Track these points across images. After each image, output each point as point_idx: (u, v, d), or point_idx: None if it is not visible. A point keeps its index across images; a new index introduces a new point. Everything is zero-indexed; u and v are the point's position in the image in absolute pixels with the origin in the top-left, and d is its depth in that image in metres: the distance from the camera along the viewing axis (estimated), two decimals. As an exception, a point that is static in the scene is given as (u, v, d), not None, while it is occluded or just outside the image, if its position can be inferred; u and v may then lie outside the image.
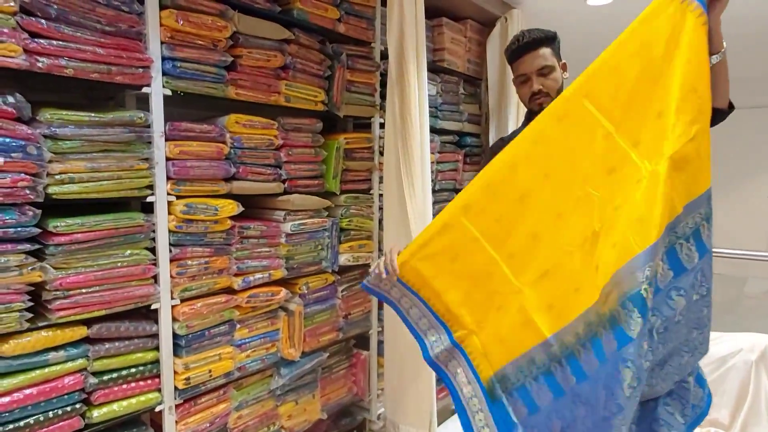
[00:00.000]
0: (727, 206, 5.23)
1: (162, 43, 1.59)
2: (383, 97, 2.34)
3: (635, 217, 1.21)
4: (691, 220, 1.24)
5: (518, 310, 1.40)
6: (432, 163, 2.62)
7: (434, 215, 2.47)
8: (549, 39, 1.69)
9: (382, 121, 2.39)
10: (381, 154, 2.37)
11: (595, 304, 1.25)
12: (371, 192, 2.39)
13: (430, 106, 2.44)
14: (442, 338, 1.55)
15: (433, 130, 2.66)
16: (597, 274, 1.26)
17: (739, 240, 5.23)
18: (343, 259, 2.23)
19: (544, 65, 1.66)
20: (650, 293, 1.15)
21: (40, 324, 1.41)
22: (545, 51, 1.67)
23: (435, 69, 2.77)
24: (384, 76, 2.32)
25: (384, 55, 2.36)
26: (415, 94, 2.23)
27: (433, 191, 2.35)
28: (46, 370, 1.43)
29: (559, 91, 1.69)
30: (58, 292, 1.42)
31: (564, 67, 1.74)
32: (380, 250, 2.42)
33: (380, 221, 2.38)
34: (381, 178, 2.35)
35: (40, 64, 1.34)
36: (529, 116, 1.77)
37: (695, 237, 1.26)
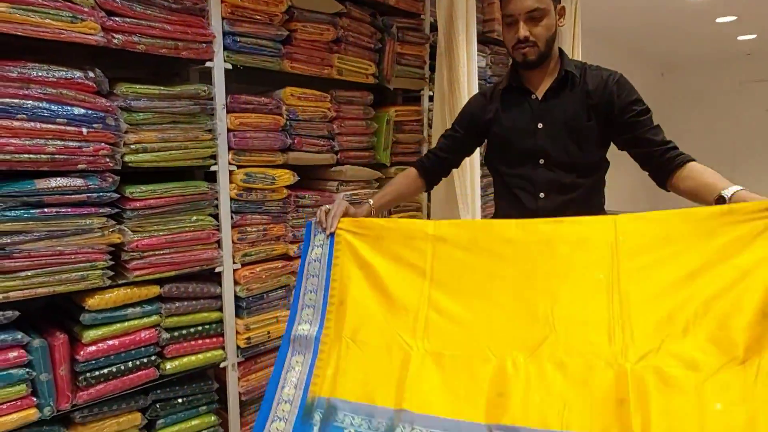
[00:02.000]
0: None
1: (223, 18, 1.67)
2: (432, 69, 2.36)
3: None
4: None
5: (398, 364, 1.28)
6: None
7: (482, 188, 2.49)
8: None
9: (431, 94, 2.40)
10: (430, 126, 2.40)
11: None
12: (420, 164, 2.42)
13: (479, 78, 2.42)
14: (312, 327, 1.41)
15: (483, 103, 2.64)
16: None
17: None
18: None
19: (535, 7, 1.36)
20: None
21: (120, 282, 1.55)
22: None
23: (485, 41, 2.74)
24: (433, 48, 2.33)
25: (434, 27, 2.37)
26: (464, 66, 2.23)
27: (481, 164, 2.36)
28: (126, 324, 1.57)
29: (551, 43, 1.42)
30: (134, 253, 1.55)
31: (562, 13, 1.46)
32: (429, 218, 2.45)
33: (429, 194, 2.42)
34: (430, 151, 2.37)
35: (115, 41, 1.45)
36: (513, 68, 1.52)
37: None
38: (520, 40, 1.40)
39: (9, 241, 1.33)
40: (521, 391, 1.19)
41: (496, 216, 1.67)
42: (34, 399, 1.41)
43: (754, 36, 4.62)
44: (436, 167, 1.67)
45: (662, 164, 1.41)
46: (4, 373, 1.34)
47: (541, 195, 1.51)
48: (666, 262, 1.20)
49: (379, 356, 1.32)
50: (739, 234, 1.15)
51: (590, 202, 1.53)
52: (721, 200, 1.24)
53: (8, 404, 1.36)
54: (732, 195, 1.22)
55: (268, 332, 1.90)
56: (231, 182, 1.75)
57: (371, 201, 1.57)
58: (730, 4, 3.60)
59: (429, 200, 2.42)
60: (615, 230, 1.24)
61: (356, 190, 2.10)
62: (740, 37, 4.67)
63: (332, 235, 1.44)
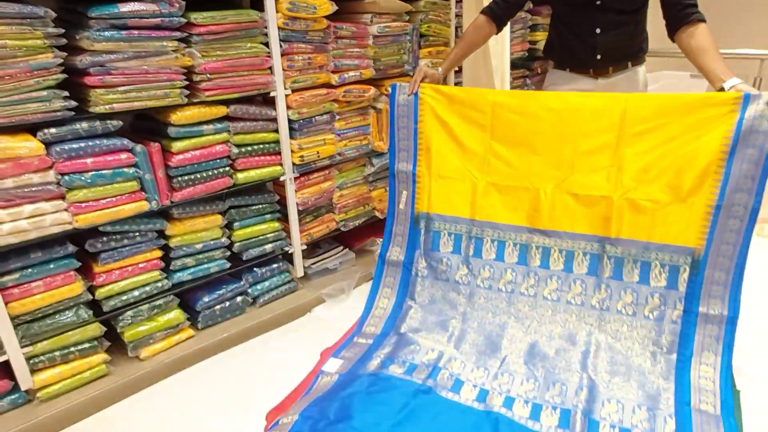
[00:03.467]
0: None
1: None
2: None
3: None
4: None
5: (471, 190, 1.93)
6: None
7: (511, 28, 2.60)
8: None
9: (459, -77, 2.41)
10: (458, -42, 2.45)
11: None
12: (448, -1, 2.52)
13: None
14: (408, 165, 2.01)
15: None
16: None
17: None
18: (423, 64, 2.46)
19: None
20: None
21: (195, 101, 1.82)
22: None
23: None
24: None
25: None
26: None
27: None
28: (203, 138, 1.88)
29: None
30: (204, 75, 1.80)
31: None
32: (460, 68, 2.59)
33: (457, 29, 2.54)
34: (458, -15, 2.45)
35: None
36: None
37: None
38: None
39: (106, 58, 1.59)
40: (548, 208, 1.83)
41: (555, 41, 2.03)
42: (143, 194, 1.78)
43: None
44: (505, 11, 1.95)
45: (676, 13, 1.70)
46: (120, 170, 1.69)
47: (598, 31, 1.84)
48: (655, 130, 1.67)
49: (457, 185, 1.96)
50: (712, 114, 1.57)
51: (635, 39, 1.90)
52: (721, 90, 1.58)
53: (126, 196, 1.73)
54: (730, 88, 1.54)
55: (318, 152, 2.21)
56: (277, 11, 1.93)
57: (440, 69, 1.97)
58: None
59: (457, 36, 2.55)
60: (626, 104, 1.69)
61: (388, 23, 2.25)
62: None
63: (415, 95, 1.93)
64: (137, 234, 1.82)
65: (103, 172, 1.66)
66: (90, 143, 1.62)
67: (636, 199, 1.71)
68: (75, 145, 1.59)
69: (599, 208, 1.75)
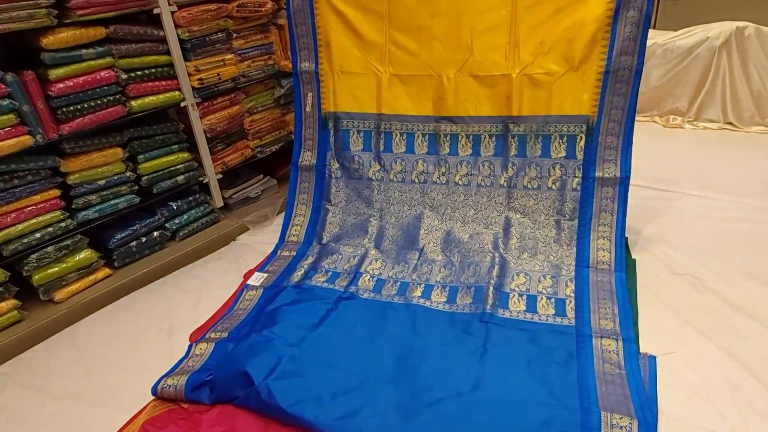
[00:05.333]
0: None
1: None
2: None
3: None
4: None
5: (375, 84, 1.93)
6: None
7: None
8: None
9: None
10: None
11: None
12: None
13: None
14: (310, 64, 2.01)
15: None
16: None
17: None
18: None
19: None
20: None
21: (67, 22, 1.69)
22: None
23: None
24: None
25: None
26: None
27: None
28: (84, 64, 1.75)
29: None
30: (71, -8, 1.66)
31: None
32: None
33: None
34: None
35: None
36: None
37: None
38: None
39: (-54, -26, 1.43)
40: (452, 94, 1.87)
41: None
42: (25, 128, 1.67)
43: None
44: None
45: None
46: (-11, 101, 1.57)
47: None
48: (545, 2, 1.71)
49: (361, 80, 1.96)
50: None
51: None
52: None
53: (4, 131, 1.62)
54: None
55: (218, 74, 2.12)
56: None
57: None
58: None
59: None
60: None
61: (277, -71, 2.12)
62: None
63: None
64: (27, 173, 1.72)
65: (-29, 105, 1.54)
66: (-53, 73, 1.48)
67: (533, 74, 1.78)
68: (-71, 76, 1.45)
69: (500, 88, 1.82)
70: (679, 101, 3.02)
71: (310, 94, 2.04)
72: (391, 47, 1.91)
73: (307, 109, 2.06)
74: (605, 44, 1.69)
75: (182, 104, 2.05)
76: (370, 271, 1.86)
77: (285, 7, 2.25)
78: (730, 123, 2.92)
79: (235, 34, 2.14)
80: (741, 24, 2.79)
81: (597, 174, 1.79)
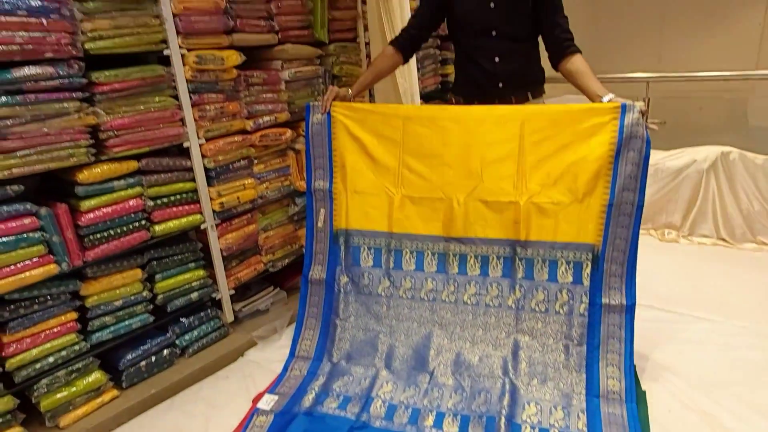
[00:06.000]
0: (717, 35, 5.28)
1: None
2: (361, -55, 2.48)
3: None
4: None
5: (387, 204, 2.02)
6: (412, 8, 2.79)
7: (418, 61, 2.74)
8: None
9: (362, -31, 2.54)
10: (363, 2, 2.56)
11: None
12: (357, 40, 2.62)
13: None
14: (324, 182, 2.07)
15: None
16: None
17: (726, 65, 5.36)
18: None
19: None
20: None
21: (103, 158, 1.80)
22: None
23: None
24: None
25: None
26: (390, -61, 2.36)
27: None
28: (114, 194, 1.85)
29: None
30: (110, 132, 1.79)
31: None
32: (371, 95, 2.71)
33: (368, 67, 2.65)
34: (366, 27, 2.57)
35: (54, -68, 1.56)
36: None
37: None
38: None
39: (2, 124, 1.55)
40: (462, 217, 1.95)
41: (460, 78, 2.17)
42: (52, 257, 1.73)
43: None
44: (410, 43, 2.08)
45: (557, 47, 1.92)
46: (24, 236, 1.64)
47: (497, 59, 1.99)
48: (550, 138, 1.85)
49: (374, 200, 2.05)
50: (596, 122, 1.78)
51: (531, 65, 2.06)
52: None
53: (33, 261, 1.68)
54: (608, 101, 1.78)
55: (238, 198, 2.23)
56: (184, 65, 1.95)
57: (350, 91, 2.03)
58: None
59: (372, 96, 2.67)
60: (524, 116, 1.86)
61: (300, 68, 2.33)
62: None
63: (328, 114, 2.00)
64: (49, 298, 1.76)
65: (4, 239, 1.60)
66: (-12, 211, 1.57)
67: (540, 203, 1.87)
68: (-29, 215, 1.53)
69: (509, 213, 1.90)
70: (673, 216, 3.15)
71: (322, 210, 2.12)
72: (404, 171, 2.02)
73: (319, 224, 2.14)
74: (608, 180, 1.81)
75: (202, 226, 2.14)
76: (382, 396, 1.86)
77: (303, 134, 2.41)
78: (723, 239, 3.03)
79: (256, 160, 2.28)
80: (725, 149, 2.99)
81: (603, 301, 1.85)
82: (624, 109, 1.74)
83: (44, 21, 1.57)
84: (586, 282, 1.87)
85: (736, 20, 5.22)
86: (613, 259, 1.84)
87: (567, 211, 1.86)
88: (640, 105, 1.73)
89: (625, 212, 1.80)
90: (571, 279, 1.89)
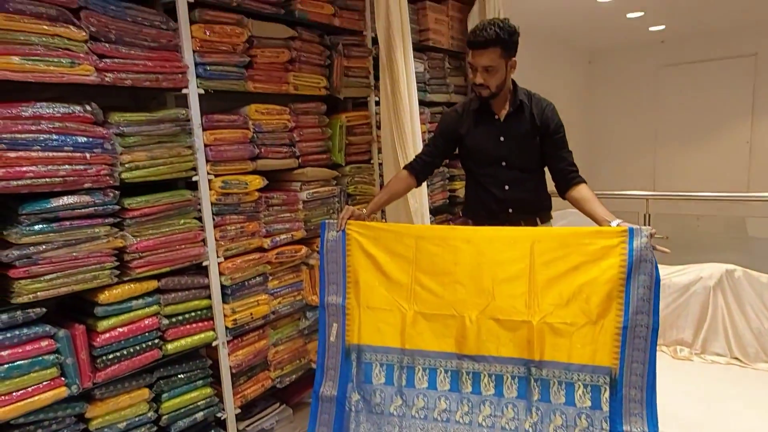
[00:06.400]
0: (707, 151, 5.57)
1: (194, 51, 1.97)
2: (377, 77, 2.71)
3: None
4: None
5: (399, 320, 2.02)
6: (423, 132, 2.99)
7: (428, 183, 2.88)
8: (501, 40, 1.87)
9: (377, 99, 2.75)
10: (378, 128, 2.76)
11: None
12: (371, 162, 2.79)
13: (418, 82, 2.81)
14: (338, 297, 2.10)
15: (423, 103, 3.03)
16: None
17: (719, 182, 5.60)
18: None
19: (489, 65, 1.91)
20: None
21: (124, 279, 1.85)
22: (494, 51, 1.89)
23: (422, 48, 3.11)
24: (376, 59, 2.68)
25: (375, 41, 2.71)
26: (403, 73, 2.59)
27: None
28: (131, 314, 1.87)
29: (500, 86, 1.98)
30: (135, 254, 1.85)
31: (513, 65, 1.97)
32: (383, 213, 2.82)
33: (381, 187, 2.78)
34: (379, 150, 2.74)
35: (107, 79, 1.73)
36: (478, 98, 2.06)
37: None
38: (476, 83, 1.97)
39: (34, 250, 1.61)
40: (474, 334, 1.95)
41: (471, 202, 2.29)
42: (63, 379, 1.71)
43: (663, 27, 5.19)
44: (424, 169, 2.22)
45: (564, 178, 2.06)
46: (39, 359, 1.64)
47: (506, 188, 2.12)
48: (561, 259, 1.89)
49: (386, 316, 2.05)
50: (605, 245, 1.83)
51: (539, 193, 2.20)
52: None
53: (44, 384, 1.66)
54: (617, 225, 1.85)
55: (251, 314, 2.24)
56: (210, 189, 2.06)
57: (365, 210, 2.11)
58: (635, 2, 4.09)
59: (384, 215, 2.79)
60: (533, 237, 1.92)
61: (317, 189, 2.45)
62: (651, 28, 5.23)
63: (343, 231, 2.05)
64: (53, 422, 1.72)
65: (20, 362, 1.60)
66: (8, 335, 1.58)
67: (554, 323, 1.86)
68: (-9, 339, 1.55)
69: (521, 332, 1.89)
70: (684, 332, 3.13)
71: (335, 324, 2.12)
72: (416, 287, 2.04)
73: (332, 339, 2.13)
74: (621, 302, 1.81)
75: (213, 343, 2.13)
76: None
77: (317, 249, 2.48)
78: (737, 358, 2.98)
79: (270, 276, 2.32)
80: (729, 267, 3.04)
81: (625, 428, 1.78)
82: (632, 232, 1.79)
83: (87, 155, 1.69)
84: (606, 407, 1.82)
85: (725, 137, 5.55)
86: (631, 384, 1.80)
87: (581, 332, 1.85)
88: (647, 229, 1.79)
89: (640, 335, 1.80)
90: (589, 403, 1.84)
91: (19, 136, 1.56)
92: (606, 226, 1.88)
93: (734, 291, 3.01)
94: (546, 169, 2.18)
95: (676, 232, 3.69)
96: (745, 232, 4.70)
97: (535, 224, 2.18)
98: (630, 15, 4.55)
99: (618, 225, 1.85)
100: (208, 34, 1.98)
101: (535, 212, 2.20)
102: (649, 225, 3.36)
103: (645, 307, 1.79)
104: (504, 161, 2.11)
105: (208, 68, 2.01)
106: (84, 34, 1.67)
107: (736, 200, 4.70)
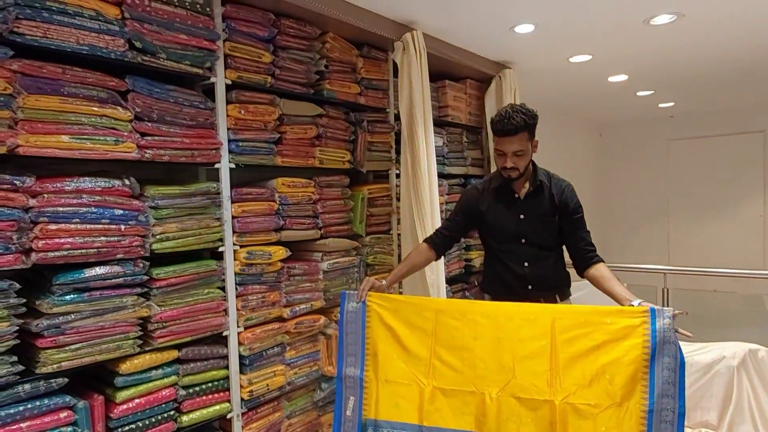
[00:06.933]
0: (721, 222, 5.58)
1: (228, 129, 2.08)
2: (398, 152, 2.81)
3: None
4: None
5: (418, 395, 1.97)
6: (441, 204, 3.06)
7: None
8: (528, 125, 1.99)
9: (397, 172, 2.84)
10: (398, 200, 2.83)
11: None
12: (391, 232, 2.83)
13: (437, 155, 2.91)
14: (355, 369, 2.06)
15: (442, 176, 3.11)
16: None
17: (734, 255, 5.57)
18: None
19: (518, 149, 2.00)
20: None
21: (146, 348, 1.85)
22: (522, 136, 1.99)
23: (441, 123, 3.24)
24: (398, 134, 2.80)
25: (397, 117, 2.84)
26: (423, 148, 2.69)
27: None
28: (150, 384, 1.86)
29: (527, 167, 2.08)
30: (158, 324, 1.87)
31: (536, 146, 2.08)
32: (400, 284, 2.82)
33: (399, 257, 2.81)
34: (399, 220, 2.79)
35: (147, 155, 1.83)
36: (500, 177, 2.13)
37: None
38: (507, 167, 2.03)
39: (63, 320, 1.64)
40: (495, 413, 1.90)
41: (490, 277, 2.30)
42: (77, 453, 1.68)
43: (672, 104, 5.37)
44: (444, 242, 2.26)
45: (582, 257, 2.10)
46: (57, 431, 1.62)
47: (526, 264, 2.15)
48: (583, 337, 1.87)
49: (404, 390, 2.01)
50: (627, 324, 1.82)
51: (557, 270, 2.21)
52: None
53: (57, 458, 1.63)
54: (638, 305, 1.84)
55: (267, 385, 2.21)
56: (235, 259, 2.10)
57: (384, 281, 2.11)
58: (644, 81, 4.26)
59: (400, 262, 2.82)
60: (554, 314, 1.90)
61: (337, 259, 2.48)
62: (661, 105, 5.41)
63: (363, 303, 2.04)
64: (62, 498, 1.67)
65: (37, 436, 1.59)
66: (29, 405, 1.58)
67: (577, 404, 1.81)
68: (12, 410, 1.54)
69: (543, 412, 1.83)
70: (709, 414, 3.01)
71: (352, 398, 2.08)
72: (435, 362, 2.01)
73: (348, 413, 2.08)
74: (645, 385, 1.77)
75: (228, 416, 2.10)
76: None
77: (335, 319, 2.48)
78: (767, 445, 2.85)
79: (288, 346, 2.31)
80: (752, 346, 2.96)
81: None
82: (653, 312, 1.78)
83: (122, 227, 1.76)
84: None
85: (738, 210, 5.57)
86: None
87: (606, 414, 1.79)
88: (669, 310, 1.77)
89: (666, 419, 1.74)
90: None
91: (61, 209, 1.63)
92: (628, 306, 1.88)
93: (759, 371, 2.92)
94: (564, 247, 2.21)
95: (694, 307, 3.64)
96: (764, 307, 4.61)
97: (554, 301, 2.18)
98: (640, 93, 4.73)
99: (639, 305, 1.85)
100: (242, 113, 2.09)
101: (554, 289, 2.21)
102: (667, 299, 3.31)
103: (670, 391, 1.75)
104: (523, 238, 2.15)
105: (240, 144, 2.11)
106: (130, 114, 1.78)
107: (749, 277, 4.65)
